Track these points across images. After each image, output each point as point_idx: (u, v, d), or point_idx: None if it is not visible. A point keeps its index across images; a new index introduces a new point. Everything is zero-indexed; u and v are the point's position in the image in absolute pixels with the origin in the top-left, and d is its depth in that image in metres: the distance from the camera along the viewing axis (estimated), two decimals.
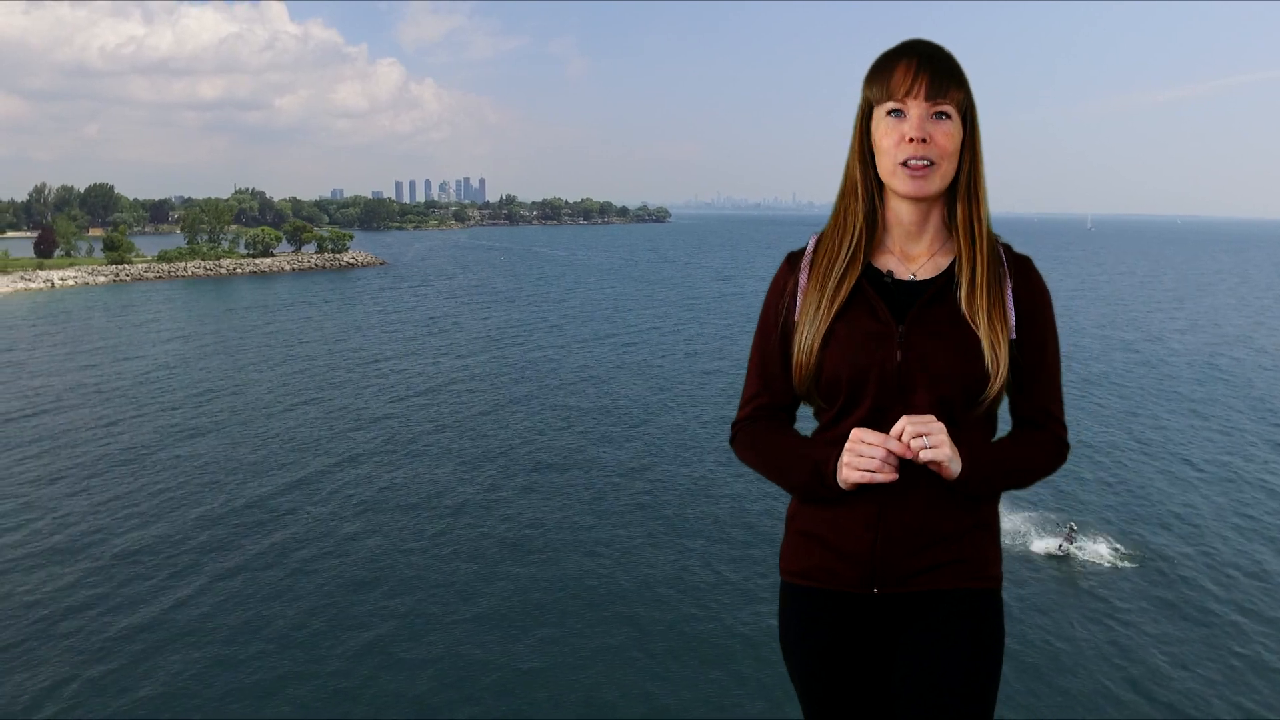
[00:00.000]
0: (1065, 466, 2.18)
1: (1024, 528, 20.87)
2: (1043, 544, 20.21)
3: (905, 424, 1.94)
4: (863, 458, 1.96)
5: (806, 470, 2.08)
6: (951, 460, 1.95)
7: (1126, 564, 19.48)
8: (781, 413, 2.23)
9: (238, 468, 25.54)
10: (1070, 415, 2.20)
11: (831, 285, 2.09)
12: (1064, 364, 2.17)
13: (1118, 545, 20.34)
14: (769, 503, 21.66)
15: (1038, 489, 20.76)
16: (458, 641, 15.96)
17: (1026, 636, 15.68)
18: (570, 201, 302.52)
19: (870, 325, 2.06)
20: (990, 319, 2.01)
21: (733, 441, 2.29)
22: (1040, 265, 2.16)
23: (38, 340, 48.17)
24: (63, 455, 26.45)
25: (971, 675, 2.06)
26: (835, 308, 2.07)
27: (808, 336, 2.09)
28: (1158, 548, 20.34)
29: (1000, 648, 2.13)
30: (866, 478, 1.96)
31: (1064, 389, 2.17)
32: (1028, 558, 19.36)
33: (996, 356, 1.99)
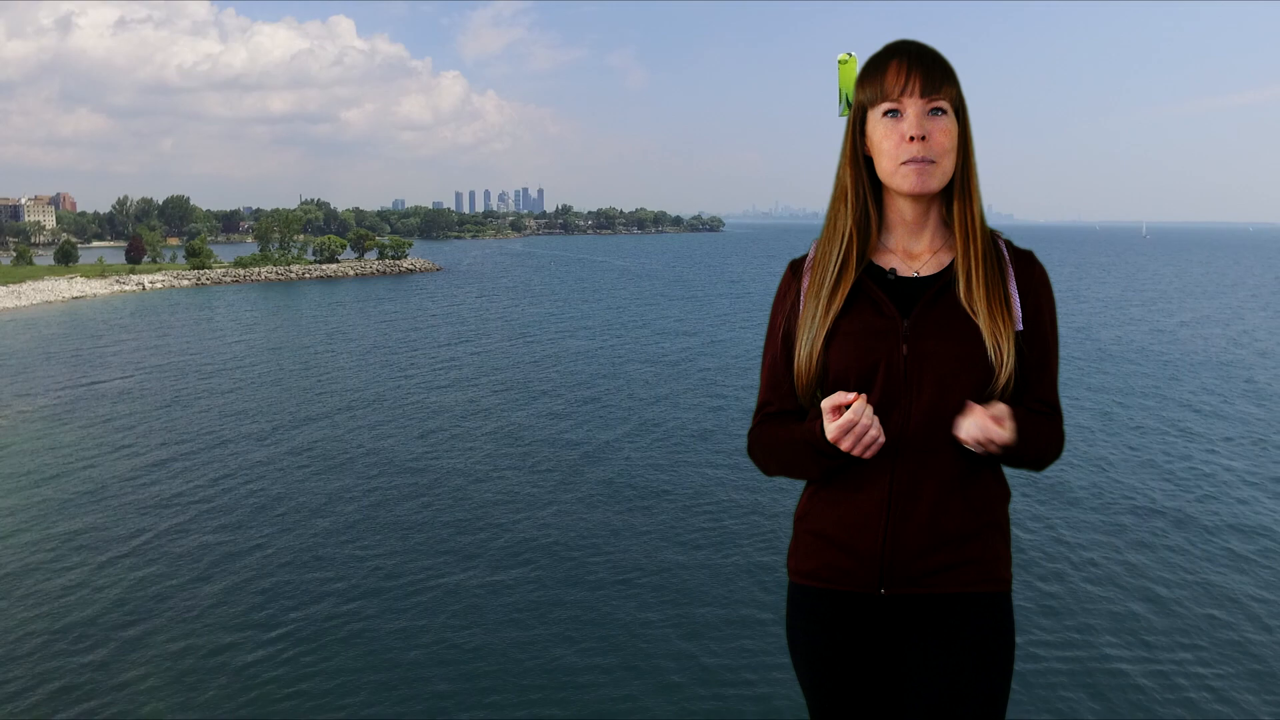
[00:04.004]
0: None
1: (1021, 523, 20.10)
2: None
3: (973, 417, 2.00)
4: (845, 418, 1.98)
5: (805, 447, 2.11)
6: (1005, 432, 1.98)
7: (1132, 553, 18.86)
8: (792, 418, 2.23)
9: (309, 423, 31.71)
10: None
11: (828, 289, 2.13)
12: None
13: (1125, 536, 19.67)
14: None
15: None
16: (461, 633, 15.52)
17: (1033, 636, 15.17)
18: (625, 211, 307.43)
19: (875, 321, 2.09)
20: (992, 312, 2.04)
21: (749, 452, 2.32)
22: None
23: (143, 330, 55.48)
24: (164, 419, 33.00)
25: (983, 681, 2.09)
26: (834, 310, 2.11)
27: (808, 341, 2.12)
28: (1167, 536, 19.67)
29: (1011, 651, 2.14)
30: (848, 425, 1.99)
31: None
32: (1028, 553, 18.86)
33: (1001, 349, 2.03)
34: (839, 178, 2.19)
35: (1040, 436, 2.09)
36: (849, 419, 1.98)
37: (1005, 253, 2.16)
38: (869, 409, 1.99)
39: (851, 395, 1.99)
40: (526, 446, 27.47)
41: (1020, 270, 2.14)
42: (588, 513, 21.52)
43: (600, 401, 33.91)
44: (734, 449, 26.45)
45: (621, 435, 28.68)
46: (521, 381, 38.19)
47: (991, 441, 1.98)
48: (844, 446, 2.01)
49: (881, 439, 2.01)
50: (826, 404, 2.02)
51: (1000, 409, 2.00)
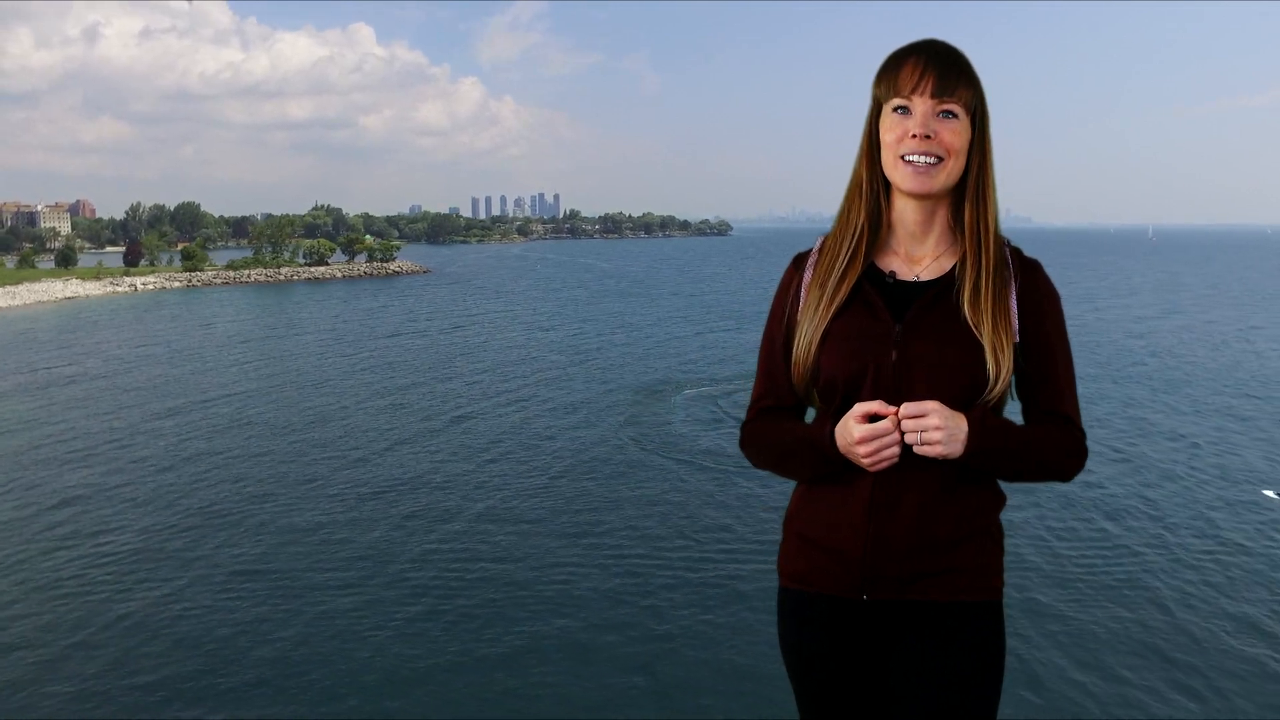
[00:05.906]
0: None
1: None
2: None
3: (902, 412, 1.96)
4: (862, 428, 1.98)
5: (806, 447, 2.10)
6: (949, 445, 1.95)
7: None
8: (787, 414, 2.23)
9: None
10: None
11: (831, 284, 2.12)
12: None
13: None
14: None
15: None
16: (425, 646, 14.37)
17: (1027, 642, 14.60)
18: (632, 216, 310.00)
19: (868, 324, 2.08)
20: (994, 322, 2.01)
21: (741, 444, 2.30)
22: None
23: (133, 324, 59.42)
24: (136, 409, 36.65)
25: (972, 689, 2.06)
26: (834, 307, 2.10)
27: (806, 335, 2.11)
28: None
29: (1000, 663, 2.12)
30: (865, 434, 1.97)
31: None
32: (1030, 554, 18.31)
33: (998, 360, 1.99)
34: (854, 172, 2.19)
35: (1031, 445, 2.06)
36: (882, 428, 1.98)
37: (1010, 262, 2.11)
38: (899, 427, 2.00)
39: (891, 408, 1.99)
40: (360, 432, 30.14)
41: (1023, 280, 2.10)
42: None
43: (494, 383, 36.99)
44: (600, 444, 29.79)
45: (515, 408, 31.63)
46: (429, 367, 41.46)
47: (928, 443, 1.96)
48: (863, 451, 1.99)
49: (896, 459, 2.01)
50: (859, 408, 2.01)
51: (930, 408, 1.96)
